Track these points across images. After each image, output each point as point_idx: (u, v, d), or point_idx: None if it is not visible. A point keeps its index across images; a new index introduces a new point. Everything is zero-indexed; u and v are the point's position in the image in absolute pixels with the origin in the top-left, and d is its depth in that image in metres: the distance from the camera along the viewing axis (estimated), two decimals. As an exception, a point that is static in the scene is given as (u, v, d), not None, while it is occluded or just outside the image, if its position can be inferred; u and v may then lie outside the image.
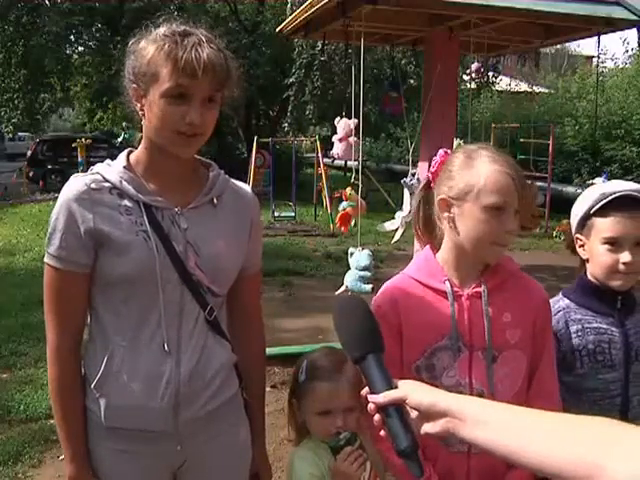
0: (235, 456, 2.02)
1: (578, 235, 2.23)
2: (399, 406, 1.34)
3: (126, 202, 1.81)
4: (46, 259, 1.84)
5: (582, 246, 2.23)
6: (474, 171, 1.82)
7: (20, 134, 27.73)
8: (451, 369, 1.90)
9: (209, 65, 1.69)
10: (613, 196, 2.09)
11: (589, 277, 2.22)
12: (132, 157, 1.90)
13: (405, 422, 1.34)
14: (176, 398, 1.82)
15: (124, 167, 1.84)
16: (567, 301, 2.24)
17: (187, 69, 1.68)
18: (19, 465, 4.25)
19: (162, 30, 1.76)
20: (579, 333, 2.17)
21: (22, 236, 13.25)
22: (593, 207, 2.14)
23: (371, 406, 1.38)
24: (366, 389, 1.41)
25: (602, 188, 2.17)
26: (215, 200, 1.92)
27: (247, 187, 2.07)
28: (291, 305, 7.62)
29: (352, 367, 2.02)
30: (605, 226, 2.12)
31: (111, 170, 1.84)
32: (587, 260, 2.22)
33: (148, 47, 1.75)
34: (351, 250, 5.14)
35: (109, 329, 1.83)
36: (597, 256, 2.16)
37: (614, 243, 2.10)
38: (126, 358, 1.81)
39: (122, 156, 1.89)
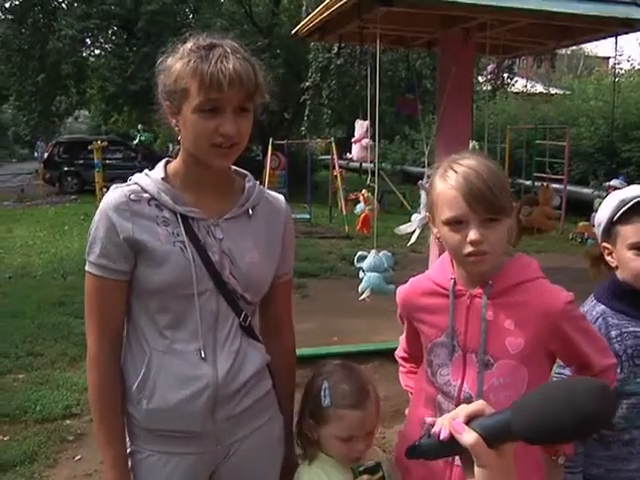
0: (271, 451, 2.06)
1: (605, 244, 2.24)
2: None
3: (164, 213, 1.84)
4: (87, 267, 1.86)
5: (610, 254, 2.23)
6: (433, 188, 1.86)
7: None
8: (445, 367, 1.90)
9: (235, 77, 1.69)
10: (634, 201, 2.09)
11: (621, 282, 2.22)
12: (170, 168, 1.92)
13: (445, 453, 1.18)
14: (214, 400, 1.86)
15: (162, 178, 1.86)
16: (602, 306, 2.23)
17: (214, 83, 1.69)
18: (35, 465, 4.26)
19: (188, 45, 1.78)
20: (618, 338, 2.16)
21: (38, 238, 13.34)
22: (615, 215, 2.14)
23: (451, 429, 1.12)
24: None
25: (621, 195, 2.17)
26: (250, 211, 1.95)
27: (281, 198, 2.10)
28: (306, 307, 7.62)
29: (374, 389, 2.01)
30: (630, 232, 2.12)
31: (149, 181, 1.86)
32: (616, 267, 2.22)
33: (175, 64, 1.77)
34: (361, 254, 5.11)
35: (146, 335, 1.87)
36: (626, 262, 2.16)
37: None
38: (164, 363, 1.85)
39: (160, 167, 1.92)
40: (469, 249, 1.76)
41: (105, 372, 1.88)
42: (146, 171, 1.91)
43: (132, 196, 1.83)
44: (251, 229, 1.94)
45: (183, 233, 1.82)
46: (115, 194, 1.84)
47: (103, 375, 1.88)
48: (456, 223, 1.77)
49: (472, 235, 1.74)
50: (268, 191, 2.08)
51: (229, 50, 1.74)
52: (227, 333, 1.89)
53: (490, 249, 1.77)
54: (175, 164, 1.93)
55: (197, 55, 1.72)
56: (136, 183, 1.87)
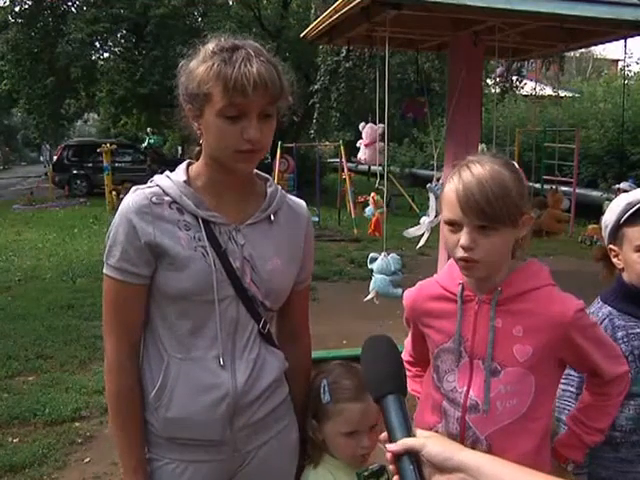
0: (288, 457, 2.03)
1: (611, 246, 2.25)
2: (415, 455, 1.28)
3: (185, 217, 1.80)
4: (106, 271, 1.81)
5: (616, 256, 2.24)
6: (444, 187, 1.84)
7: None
8: (451, 373, 1.87)
9: (259, 81, 1.65)
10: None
11: (627, 284, 2.23)
12: (191, 170, 1.88)
13: (420, 472, 1.27)
14: (233, 408, 1.83)
15: (184, 181, 1.82)
16: (609, 308, 2.24)
17: (238, 88, 1.64)
18: (44, 467, 4.27)
19: (210, 47, 1.73)
20: (624, 339, 2.17)
21: (47, 240, 13.39)
22: (621, 217, 2.16)
23: (388, 455, 1.32)
24: (384, 434, 1.34)
25: (627, 197, 2.20)
26: (272, 217, 1.91)
27: (302, 203, 2.06)
28: (315, 310, 7.55)
29: None
30: (636, 234, 2.13)
31: (171, 184, 1.82)
32: (622, 269, 2.23)
33: (198, 67, 1.72)
34: (372, 255, 5.12)
35: (164, 341, 1.84)
36: (632, 265, 2.17)
37: None
38: (182, 370, 1.81)
39: (182, 169, 1.87)
40: (460, 253, 1.75)
41: (124, 378, 1.84)
42: (167, 173, 1.87)
43: (154, 199, 1.78)
44: (273, 235, 1.90)
45: (205, 238, 1.78)
46: (136, 196, 1.79)
47: (122, 381, 1.84)
48: (453, 225, 1.76)
49: (462, 240, 1.73)
50: (289, 196, 2.03)
51: (252, 52, 1.69)
52: (246, 340, 1.86)
53: (481, 258, 1.74)
54: (197, 167, 1.88)
55: (220, 58, 1.68)
56: (157, 185, 1.82)
